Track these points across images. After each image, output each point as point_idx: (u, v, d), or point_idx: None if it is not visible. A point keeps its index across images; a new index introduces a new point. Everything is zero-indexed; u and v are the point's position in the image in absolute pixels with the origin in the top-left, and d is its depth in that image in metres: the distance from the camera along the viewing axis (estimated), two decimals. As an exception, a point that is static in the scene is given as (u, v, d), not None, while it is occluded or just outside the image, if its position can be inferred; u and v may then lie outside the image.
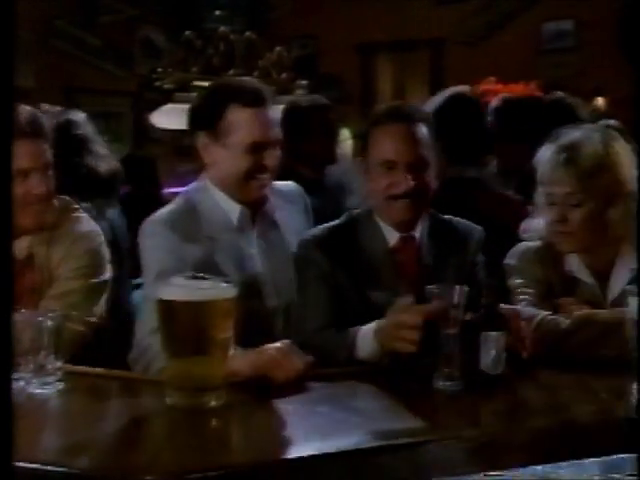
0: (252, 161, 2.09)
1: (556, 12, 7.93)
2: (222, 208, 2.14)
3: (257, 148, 2.09)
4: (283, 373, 1.73)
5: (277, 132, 2.15)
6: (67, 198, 2.23)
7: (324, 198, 2.62)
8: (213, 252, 2.08)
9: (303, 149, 3.29)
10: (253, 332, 1.89)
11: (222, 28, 5.45)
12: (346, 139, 5.91)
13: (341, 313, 2.02)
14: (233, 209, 2.14)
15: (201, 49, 5.24)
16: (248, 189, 2.12)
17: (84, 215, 2.24)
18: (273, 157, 2.12)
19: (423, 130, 2.04)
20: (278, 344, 1.79)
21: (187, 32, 5.23)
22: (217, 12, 7.18)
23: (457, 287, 1.72)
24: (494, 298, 1.82)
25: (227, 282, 1.65)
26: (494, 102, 3.21)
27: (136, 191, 4.89)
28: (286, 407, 1.63)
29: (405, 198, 2.01)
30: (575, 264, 2.07)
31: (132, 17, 8.14)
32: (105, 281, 2.17)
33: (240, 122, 2.08)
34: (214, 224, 2.12)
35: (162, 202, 2.23)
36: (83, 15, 7.78)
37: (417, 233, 2.11)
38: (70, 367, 1.79)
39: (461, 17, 8.28)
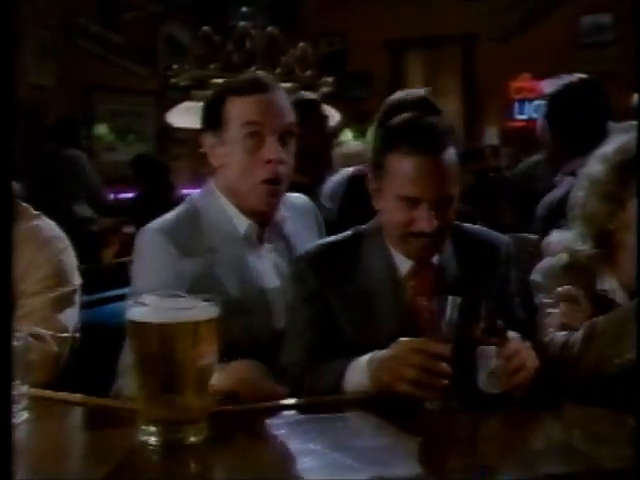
0: (250, 147, 1.91)
1: (594, 5, 7.75)
2: (228, 216, 1.96)
3: (253, 133, 1.91)
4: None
5: (284, 121, 1.94)
6: (24, 204, 2.05)
7: (319, 210, 2.33)
8: (214, 265, 1.89)
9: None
10: (260, 355, 1.74)
11: (242, 23, 5.28)
12: (348, 140, 5.69)
13: (329, 344, 1.77)
14: (240, 220, 1.96)
15: (220, 45, 5.07)
16: (257, 194, 1.92)
17: (44, 221, 2.05)
18: (276, 150, 1.90)
19: (451, 157, 1.73)
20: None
21: (205, 27, 5.07)
22: (243, 9, 7.05)
23: (450, 298, 1.55)
24: (494, 311, 1.60)
25: (208, 300, 1.45)
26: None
27: (147, 192, 4.76)
28: (276, 444, 1.44)
29: (427, 237, 1.75)
30: (611, 284, 1.83)
31: (155, 14, 8.07)
32: (74, 290, 2.00)
33: (236, 109, 1.93)
34: (218, 234, 1.94)
35: (174, 204, 2.06)
36: (105, 13, 7.71)
37: (436, 258, 1.84)
38: (36, 392, 1.61)
39: (493, 12, 8.09)
